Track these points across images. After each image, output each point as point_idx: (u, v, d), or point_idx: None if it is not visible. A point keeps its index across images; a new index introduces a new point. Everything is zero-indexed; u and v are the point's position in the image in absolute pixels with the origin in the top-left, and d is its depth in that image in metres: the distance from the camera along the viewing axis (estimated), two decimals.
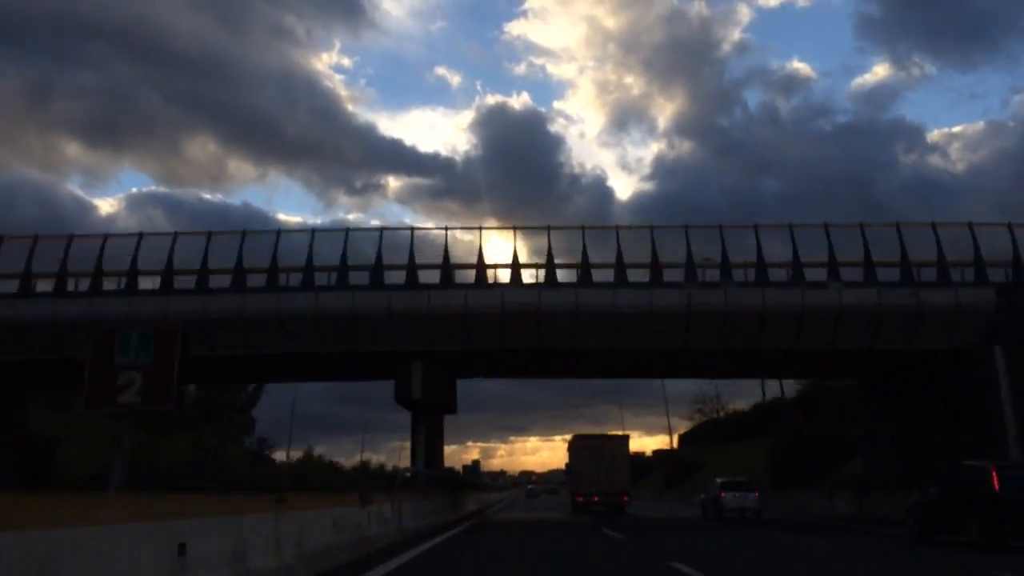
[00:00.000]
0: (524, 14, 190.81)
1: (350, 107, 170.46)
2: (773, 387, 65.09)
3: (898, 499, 20.33)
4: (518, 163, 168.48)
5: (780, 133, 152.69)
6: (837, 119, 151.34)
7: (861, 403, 29.56)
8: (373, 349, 23.75)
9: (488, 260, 24.64)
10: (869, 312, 22.68)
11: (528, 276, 24.29)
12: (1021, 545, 12.68)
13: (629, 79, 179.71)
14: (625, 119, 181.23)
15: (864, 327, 22.86)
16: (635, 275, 24.11)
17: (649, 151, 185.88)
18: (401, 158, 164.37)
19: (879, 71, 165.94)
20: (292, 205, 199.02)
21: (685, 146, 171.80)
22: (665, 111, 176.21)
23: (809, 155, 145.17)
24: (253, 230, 24.55)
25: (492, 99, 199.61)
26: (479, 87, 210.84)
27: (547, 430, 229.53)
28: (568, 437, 41.48)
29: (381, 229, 24.34)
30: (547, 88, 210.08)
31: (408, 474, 16.53)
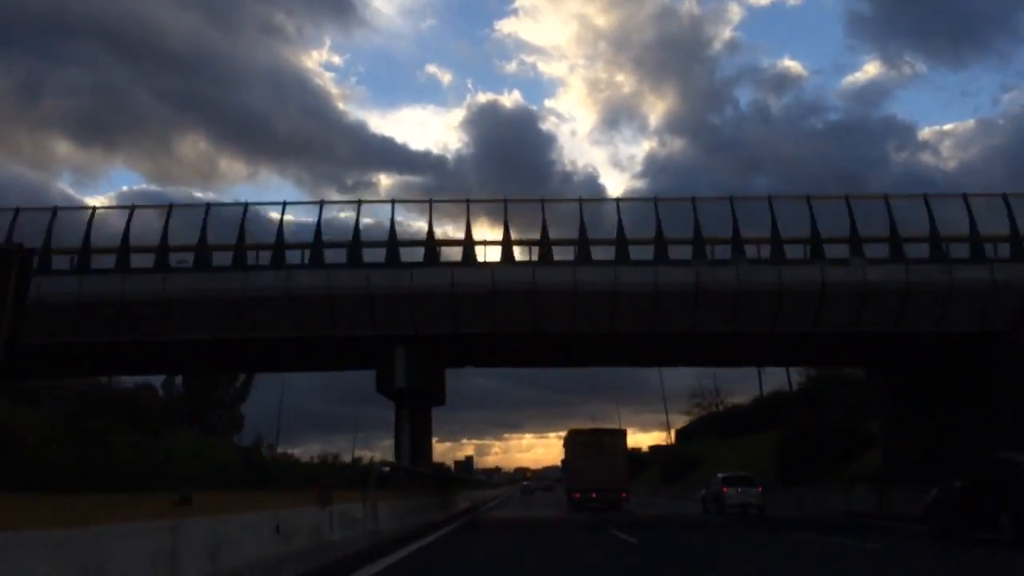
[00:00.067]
0: (515, 12, 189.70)
1: (341, 105, 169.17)
2: (771, 381, 63.52)
3: (923, 494, 18.96)
4: (510, 161, 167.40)
5: (771, 131, 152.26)
6: (828, 117, 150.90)
7: (880, 392, 27.57)
8: (351, 333, 21.63)
9: (479, 250, 22.47)
10: (896, 290, 20.67)
11: (521, 254, 22.22)
12: None
13: (620, 77, 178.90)
14: (616, 117, 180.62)
15: (890, 307, 20.86)
16: (638, 253, 22.07)
17: (641, 149, 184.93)
18: (392, 156, 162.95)
19: (870, 69, 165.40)
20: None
21: (676, 144, 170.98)
22: (656, 109, 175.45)
23: (800, 153, 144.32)
24: (218, 202, 22.36)
25: (483, 97, 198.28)
26: (470, 85, 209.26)
27: (542, 427, 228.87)
28: (563, 434, 40.32)
29: (359, 201, 22.22)
30: (538, 86, 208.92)
31: (386, 468, 14.41)
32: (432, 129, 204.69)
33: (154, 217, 22.04)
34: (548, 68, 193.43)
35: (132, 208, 21.90)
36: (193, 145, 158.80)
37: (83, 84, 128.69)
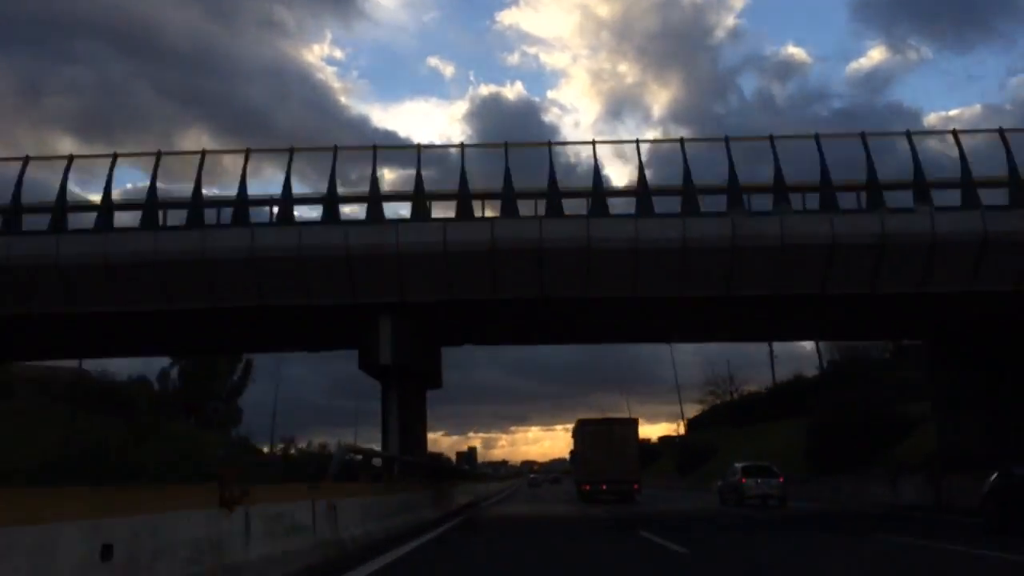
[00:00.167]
0: (516, 3, 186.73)
1: (343, 99, 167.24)
2: (781, 371, 60.65)
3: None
4: (513, 153, 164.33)
5: (776, 119, 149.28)
6: (833, 104, 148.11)
7: (936, 367, 24.27)
8: (328, 302, 18.48)
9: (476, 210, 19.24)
10: (971, 243, 17.40)
11: (526, 209, 19.00)
12: None
13: (623, 67, 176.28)
14: (619, 108, 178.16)
15: (963, 263, 17.60)
16: (662, 205, 18.89)
17: (643, 137, 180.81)
18: (396, 150, 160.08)
19: (875, 55, 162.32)
20: None
21: (681, 134, 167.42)
22: (660, 99, 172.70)
23: (806, 141, 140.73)
24: (172, 151, 19.25)
25: (486, 89, 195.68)
26: (472, 77, 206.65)
27: (548, 420, 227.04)
28: (570, 426, 38.02)
29: (335, 148, 19.00)
30: (541, 77, 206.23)
31: (355, 457, 11.26)
32: (435, 122, 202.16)
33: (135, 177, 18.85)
34: (550, 59, 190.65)
35: (69, 158, 18.74)
36: (195, 141, 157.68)
37: (84, 81, 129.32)
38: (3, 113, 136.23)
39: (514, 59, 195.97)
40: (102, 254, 17.59)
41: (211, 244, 17.77)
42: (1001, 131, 18.54)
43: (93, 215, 18.41)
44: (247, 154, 18.77)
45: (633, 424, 31.28)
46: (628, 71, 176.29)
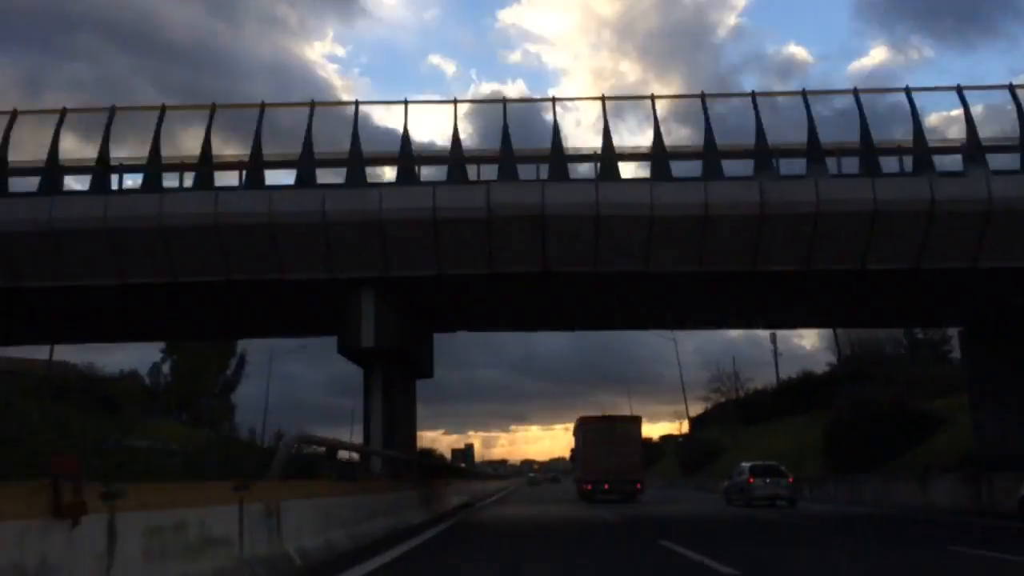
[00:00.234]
0: (518, 1, 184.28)
1: (344, 97, 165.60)
2: (787, 367, 58.50)
3: None
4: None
5: (777, 119, 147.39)
6: (835, 103, 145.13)
7: (977, 356, 22.11)
8: (303, 276, 16.36)
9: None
10: None
11: (527, 173, 16.88)
12: None
13: (624, 66, 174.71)
14: (621, 106, 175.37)
15: (1022, 234, 15.50)
16: (680, 170, 16.79)
17: (646, 137, 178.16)
18: (396, 148, 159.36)
19: (877, 55, 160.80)
20: None
21: (682, 132, 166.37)
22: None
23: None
24: (125, 105, 17.12)
25: (487, 87, 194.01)
26: (474, 75, 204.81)
27: (548, 419, 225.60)
28: (570, 425, 37.16)
29: (311, 104, 16.88)
30: (542, 76, 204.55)
31: (302, 448, 9.12)
32: (436, 120, 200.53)
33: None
34: (552, 57, 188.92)
35: (13, 113, 16.60)
36: (196, 137, 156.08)
37: (86, 77, 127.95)
38: (4, 108, 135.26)
39: (516, 57, 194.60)
40: (45, 220, 15.45)
41: (170, 210, 15.63)
42: None
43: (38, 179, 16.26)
44: (212, 111, 16.62)
45: (636, 422, 30.31)
46: (630, 69, 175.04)
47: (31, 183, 16.37)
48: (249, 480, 6.48)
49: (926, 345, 48.54)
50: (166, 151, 16.78)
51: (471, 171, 16.88)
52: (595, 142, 17.90)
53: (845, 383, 37.95)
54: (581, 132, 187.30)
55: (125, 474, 6.25)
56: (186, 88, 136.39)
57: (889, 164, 16.70)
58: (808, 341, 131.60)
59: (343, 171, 16.57)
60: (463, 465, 46.40)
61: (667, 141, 16.74)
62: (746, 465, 25.99)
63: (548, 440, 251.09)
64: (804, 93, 16.64)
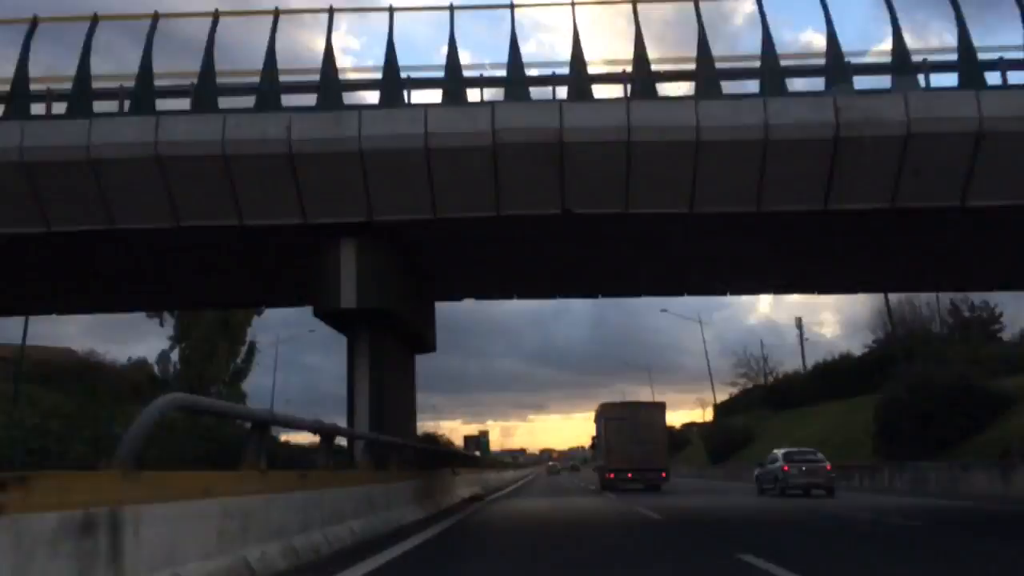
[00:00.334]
0: None
1: (359, 90, 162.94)
2: (810, 352, 55.22)
3: None
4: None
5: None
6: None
7: None
8: (267, 221, 13.36)
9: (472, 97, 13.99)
10: None
11: (540, 93, 13.76)
12: None
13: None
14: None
15: None
16: (729, 87, 13.61)
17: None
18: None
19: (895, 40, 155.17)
20: None
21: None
22: (681, 87, 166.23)
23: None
24: (50, 17, 14.16)
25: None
26: (487, 66, 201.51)
27: (567, 408, 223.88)
28: (589, 414, 35.93)
29: (275, 12, 13.83)
30: (556, 66, 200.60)
31: (247, 426, 6.09)
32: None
33: None
34: (566, 47, 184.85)
35: None
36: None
37: (98, 71, 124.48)
38: None
39: (530, 47, 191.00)
40: None
41: (101, 139, 12.64)
42: None
43: None
44: (154, 20, 13.58)
45: (660, 408, 29.44)
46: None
47: None
48: (24, 475, 3.46)
49: (976, 324, 45.11)
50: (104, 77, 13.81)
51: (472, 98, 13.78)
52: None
53: (900, 362, 34.53)
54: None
55: None
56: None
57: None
58: (828, 329, 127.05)
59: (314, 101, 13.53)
60: (477, 453, 43.31)
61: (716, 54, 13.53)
62: (780, 452, 24.35)
63: (567, 429, 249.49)
64: None
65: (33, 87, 13.40)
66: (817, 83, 13.61)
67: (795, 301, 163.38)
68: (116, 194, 12.91)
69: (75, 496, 3.85)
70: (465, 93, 13.48)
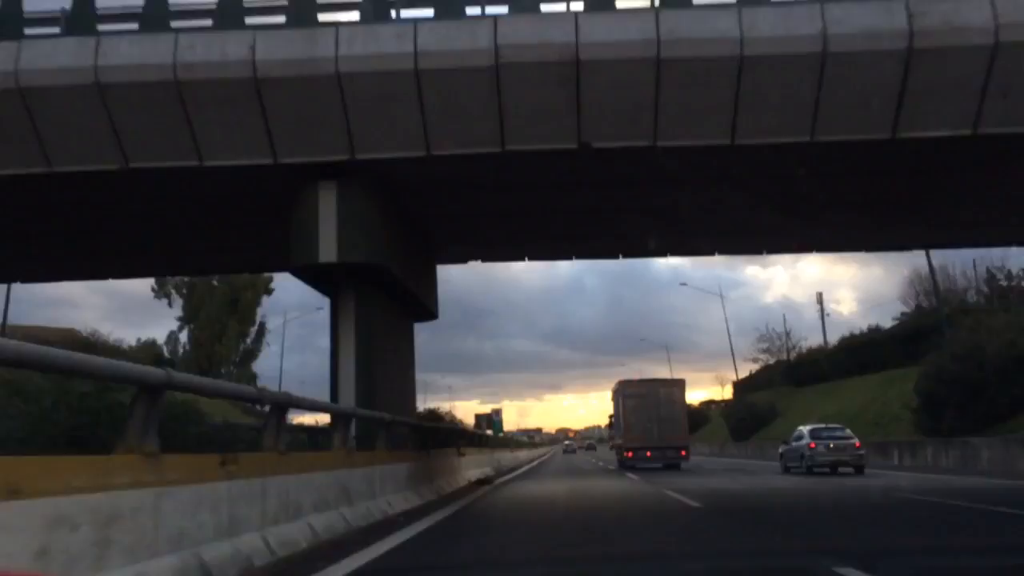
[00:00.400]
0: None
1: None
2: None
3: None
4: None
5: None
6: None
7: None
8: (230, 161, 11.38)
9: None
10: None
11: (551, 6, 11.63)
12: None
13: None
14: None
15: None
16: None
17: None
18: None
19: None
20: None
21: None
22: None
23: None
24: None
25: None
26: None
27: (583, 387, 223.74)
28: (606, 393, 36.64)
29: None
30: None
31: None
32: None
33: None
34: None
35: None
36: None
37: None
38: None
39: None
40: None
41: (31, 64, 10.70)
42: None
43: None
44: None
45: (679, 385, 28.73)
46: None
47: None
48: None
49: (1015, 292, 42.63)
50: None
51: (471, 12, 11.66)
52: None
53: (939, 332, 32.26)
54: None
55: None
56: None
57: None
58: (845, 307, 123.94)
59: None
60: (489, 432, 41.40)
61: None
62: (806, 429, 23.32)
63: (583, 408, 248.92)
64: None
65: None
66: None
67: (809, 280, 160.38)
68: (52, 130, 10.97)
69: None
70: (462, 5, 11.38)
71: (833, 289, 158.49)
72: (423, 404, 28.26)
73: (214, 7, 11.40)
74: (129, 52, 10.69)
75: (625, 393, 28.05)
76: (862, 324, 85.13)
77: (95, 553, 3.65)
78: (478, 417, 57.84)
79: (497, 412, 64.87)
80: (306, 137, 11.21)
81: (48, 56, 10.70)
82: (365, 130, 11.16)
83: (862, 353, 44.19)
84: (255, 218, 13.75)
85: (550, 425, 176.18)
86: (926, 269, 46.23)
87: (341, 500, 7.79)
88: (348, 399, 11.73)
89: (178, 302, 61.56)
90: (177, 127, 10.96)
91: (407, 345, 16.05)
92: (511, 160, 11.60)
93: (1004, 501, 10.94)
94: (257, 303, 64.46)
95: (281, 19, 11.54)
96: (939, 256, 50.61)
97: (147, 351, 51.30)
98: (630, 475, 22.52)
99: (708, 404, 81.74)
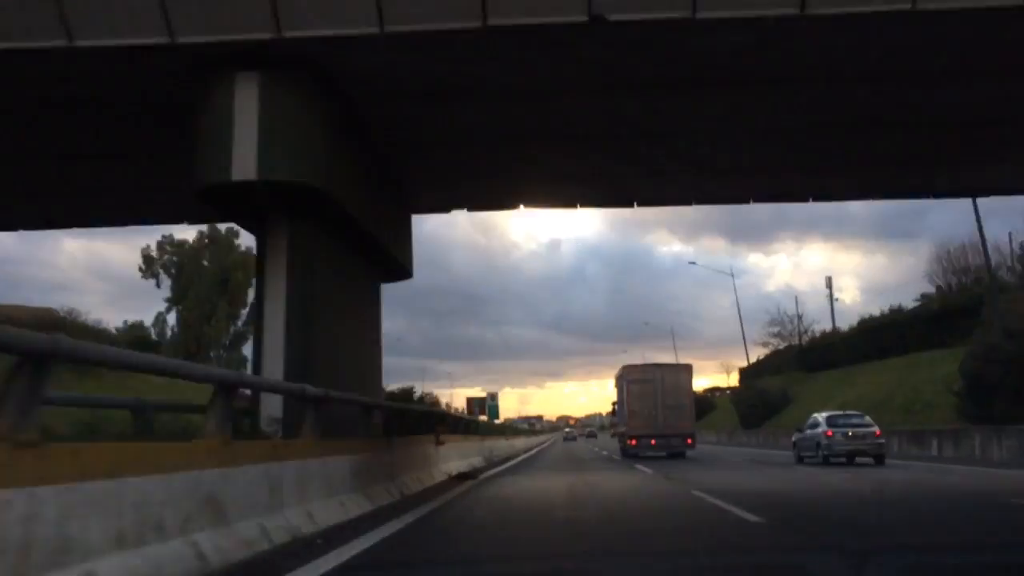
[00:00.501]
0: None
1: None
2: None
3: None
4: None
5: None
6: None
7: None
8: (113, 41, 8.29)
9: None
10: None
11: None
12: None
13: None
14: None
15: None
16: None
17: None
18: None
19: None
20: None
21: None
22: None
23: None
24: None
25: None
26: None
27: (584, 375, 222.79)
28: (607, 381, 35.61)
29: None
30: None
31: None
32: None
33: None
34: None
35: None
36: None
37: None
38: None
39: None
40: None
41: None
42: None
43: None
44: None
45: (686, 370, 27.67)
46: None
47: None
48: None
49: None
50: None
51: None
52: None
53: (975, 310, 29.36)
54: None
55: None
56: None
57: None
58: (848, 295, 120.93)
59: None
60: (483, 418, 38.06)
61: None
62: (821, 416, 22.18)
63: (584, 396, 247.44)
64: None
65: None
66: None
67: (812, 268, 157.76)
68: None
69: None
70: None
71: (836, 278, 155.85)
72: (421, 392, 25.52)
73: None
74: None
75: (629, 379, 27.05)
76: (866, 312, 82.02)
77: None
78: (470, 401, 54.16)
79: (493, 396, 61.10)
80: (215, 7, 8.11)
81: None
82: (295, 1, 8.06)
83: (882, 336, 41.58)
84: (155, 138, 10.60)
85: (551, 412, 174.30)
86: (954, 245, 43.42)
87: (200, 519, 4.75)
88: (275, 367, 8.69)
89: (167, 283, 58.72)
90: None
91: (371, 309, 12.97)
92: (498, 46, 8.51)
93: None
94: (248, 283, 61.40)
95: None
96: (965, 234, 47.64)
97: (133, 333, 48.40)
98: (639, 467, 19.64)
99: (712, 391, 79.14)
